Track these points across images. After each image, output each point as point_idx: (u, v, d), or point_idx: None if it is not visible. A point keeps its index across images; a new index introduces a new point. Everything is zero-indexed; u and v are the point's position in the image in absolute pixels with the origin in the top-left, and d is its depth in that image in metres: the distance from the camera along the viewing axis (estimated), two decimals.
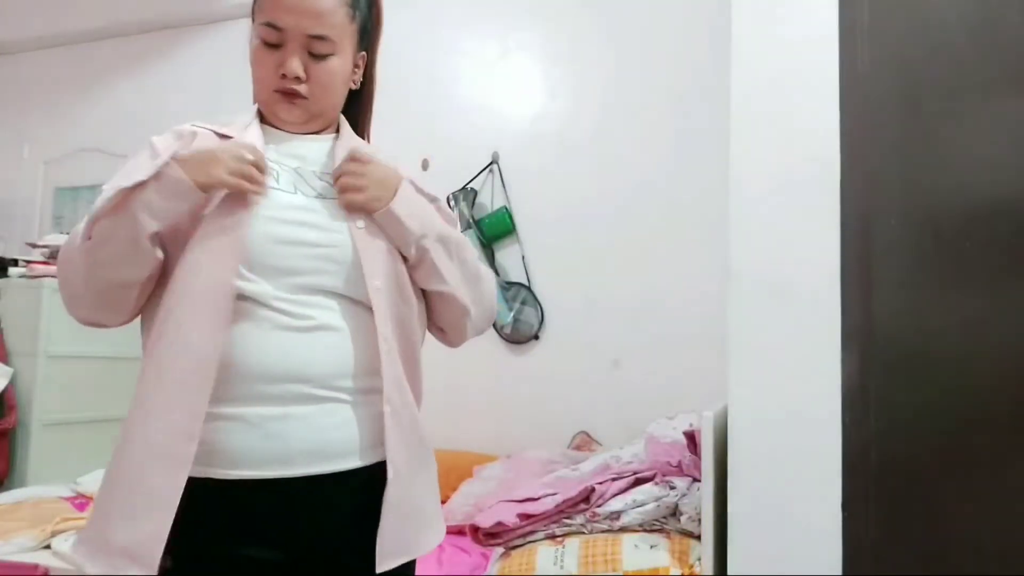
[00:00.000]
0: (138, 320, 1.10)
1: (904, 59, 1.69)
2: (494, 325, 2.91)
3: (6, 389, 2.79)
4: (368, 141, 1.29)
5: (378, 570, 1.04)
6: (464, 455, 2.66)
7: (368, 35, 1.21)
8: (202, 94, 3.42)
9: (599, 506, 1.93)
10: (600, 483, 1.97)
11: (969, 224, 1.62)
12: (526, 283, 2.94)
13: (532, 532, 1.95)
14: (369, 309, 1.08)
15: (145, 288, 1.05)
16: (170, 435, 0.97)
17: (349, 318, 1.07)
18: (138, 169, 1.07)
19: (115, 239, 0.99)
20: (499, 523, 1.94)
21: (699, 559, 1.77)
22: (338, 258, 1.07)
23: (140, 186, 0.99)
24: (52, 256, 3.08)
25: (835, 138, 1.69)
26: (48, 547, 2.22)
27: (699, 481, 1.83)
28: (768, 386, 1.70)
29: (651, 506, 1.89)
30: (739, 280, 1.74)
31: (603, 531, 1.91)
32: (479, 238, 2.96)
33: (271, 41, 1.10)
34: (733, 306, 1.74)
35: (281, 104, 1.13)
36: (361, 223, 1.10)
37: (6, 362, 2.85)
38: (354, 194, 1.09)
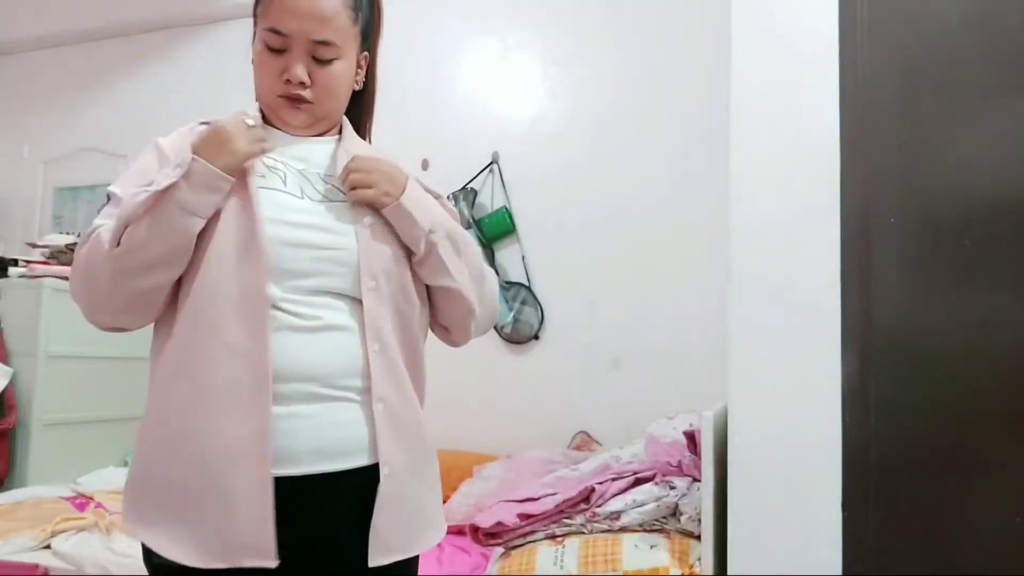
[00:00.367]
0: None
1: (904, 59, 1.69)
2: (494, 325, 2.91)
3: (6, 389, 2.79)
4: (369, 142, 1.30)
5: (370, 565, 1.05)
6: (464, 455, 2.65)
7: (370, 36, 1.21)
8: (202, 94, 3.41)
9: (599, 506, 1.93)
10: (600, 483, 1.97)
11: (969, 224, 1.62)
12: (526, 283, 2.94)
13: (532, 532, 1.95)
14: None
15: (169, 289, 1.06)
16: (249, 437, 0.99)
17: (358, 318, 1.08)
18: (145, 171, 1.08)
19: (153, 243, 1.00)
20: (499, 523, 1.94)
21: (699, 559, 1.77)
22: (344, 260, 1.08)
23: (171, 188, 1.00)
24: (52, 256, 3.08)
25: (835, 138, 1.69)
26: (48, 547, 2.21)
27: (699, 481, 1.83)
28: (768, 386, 1.70)
29: (651, 506, 1.89)
30: (739, 280, 1.74)
31: (603, 531, 1.91)
32: (479, 238, 2.96)
33: (275, 46, 1.10)
34: (733, 306, 1.74)
35: (286, 109, 1.14)
36: (369, 219, 1.11)
37: (6, 362, 2.85)
38: (365, 190, 1.10)
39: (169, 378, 1.04)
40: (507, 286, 2.94)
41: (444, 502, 1.88)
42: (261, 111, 1.18)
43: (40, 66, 3.95)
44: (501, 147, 3.03)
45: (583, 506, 1.94)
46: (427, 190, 1.20)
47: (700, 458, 1.78)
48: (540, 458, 2.43)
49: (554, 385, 2.86)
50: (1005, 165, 1.61)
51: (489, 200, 3.02)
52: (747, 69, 1.77)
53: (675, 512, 1.90)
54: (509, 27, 3.11)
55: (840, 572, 1.61)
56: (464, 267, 1.17)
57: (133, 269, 1.01)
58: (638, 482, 1.96)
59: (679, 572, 1.75)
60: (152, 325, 1.12)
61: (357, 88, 1.22)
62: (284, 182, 1.11)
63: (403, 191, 1.12)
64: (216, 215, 1.04)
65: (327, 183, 1.14)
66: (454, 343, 1.27)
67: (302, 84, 1.11)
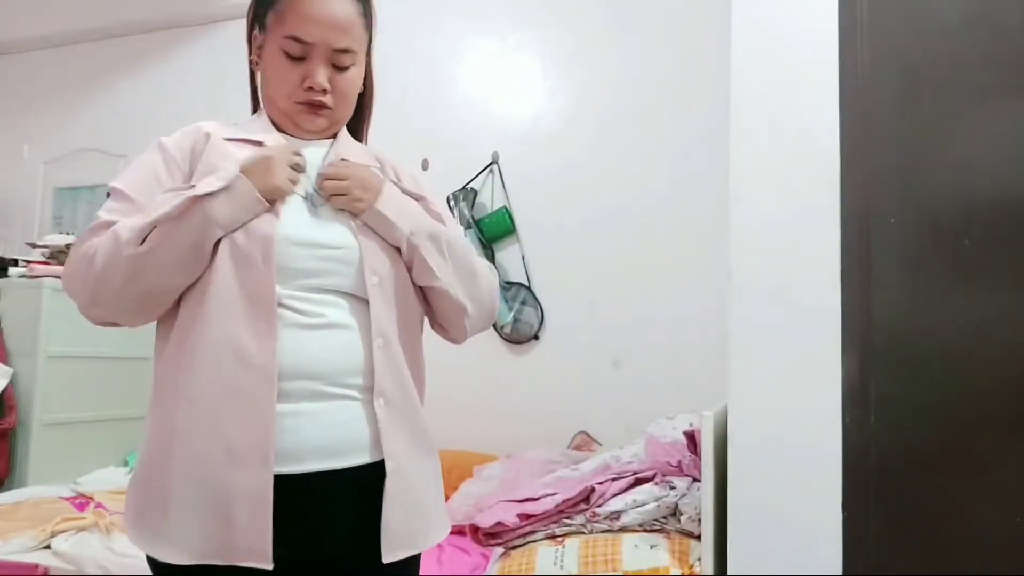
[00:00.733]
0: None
1: (904, 59, 1.69)
2: (494, 325, 2.91)
3: (6, 389, 2.79)
4: (365, 143, 1.31)
5: (384, 560, 1.05)
6: (464, 455, 2.65)
7: (371, 40, 1.22)
8: (202, 94, 3.42)
9: (599, 506, 1.93)
10: (600, 483, 1.97)
11: (969, 224, 1.62)
12: (526, 283, 2.94)
13: (532, 532, 1.95)
14: None
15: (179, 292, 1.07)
16: (252, 439, 1.00)
17: (359, 317, 1.09)
18: (150, 169, 1.10)
19: (176, 245, 1.01)
20: (499, 523, 1.94)
21: (699, 559, 1.77)
22: (346, 259, 1.10)
23: (209, 196, 1.01)
24: (52, 256, 3.08)
25: (835, 138, 1.69)
26: (48, 547, 2.21)
27: (699, 481, 1.83)
28: (768, 386, 1.70)
29: (651, 506, 1.89)
30: (739, 280, 1.74)
31: (603, 531, 1.91)
32: (479, 238, 2.96)
33: (295, 54, 1.12)
34: (733, 306, 1.74)
35: (305, 115, 1.16)
36: (359, 220, 1.13)
37: (6, 362, 2.85)
38: (336, 198, 1.12)
39: (173, 378, 1.04)
40: (507, 286, 2.94)
41: (444, 501, 1.87)
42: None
43: (40, 66, 3.95)
44: (501, 147, 3.03)
45: (583, 506, 1.94)
46: (410, 193, 1.20)
47: (700, 458, 1.78)
48: (540, 458, 2.43)
49: (554, 385, 2.86)
50: (1005, 165, 1.61)
51: (489, 200, 3.02)
52: (747, 69, 1.77)
53: (675, 512, 1.90)
54: (509, 27, 3.11)
55: (840, 572, 1.61)
56: (450, 267, 1.17)
57: (152, 268, 1.01)
58: (638, 482, 1.96)
59: (679, 572, 1.75)
60: (153, 324, 1.12)
61: (361, 91, 1.24)
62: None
63: (378, 195, 1.13)
64: None
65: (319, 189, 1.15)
66: (453, 340, 1.27)
67: (323, 91, 1.13)
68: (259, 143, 1.14)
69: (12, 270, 3.05)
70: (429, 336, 1.25)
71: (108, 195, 1.11)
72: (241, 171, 1.05)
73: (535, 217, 2.97)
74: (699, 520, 1.78)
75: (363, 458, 1.07)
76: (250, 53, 1.22)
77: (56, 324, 2.87)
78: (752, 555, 1.68)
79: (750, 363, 1.72)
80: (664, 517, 1.90)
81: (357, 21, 1.15)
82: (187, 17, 3.62)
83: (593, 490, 1.95)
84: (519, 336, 2.93)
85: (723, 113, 1.80)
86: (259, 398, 1.00)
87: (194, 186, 1.04)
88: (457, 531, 2.16)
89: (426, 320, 1.25)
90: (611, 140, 2.90)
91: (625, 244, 2.84)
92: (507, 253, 2.99)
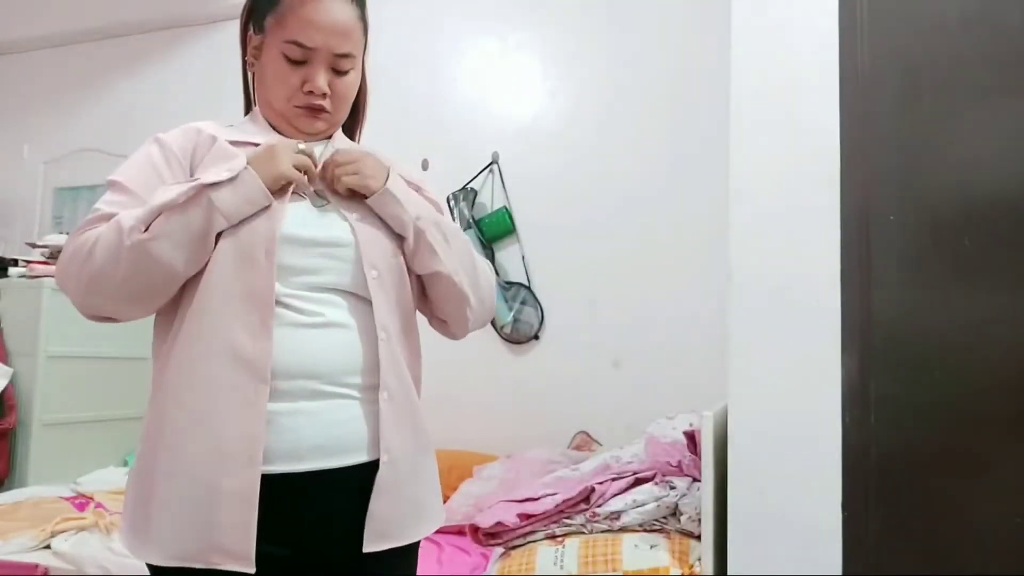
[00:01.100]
0: (139, 320, 1.10)
1: (904, 58, 1.69)
2: (494, 325, 2.92)
3: (6, 389, 2.79)
4: (358, 144, 1.31)
5: (364, 550, 1.05)
6: (464, 455, 2.65)
7: (367, 44, 1.23)
8: (202, 94, 3.41)
9: (599, 506, 1.93)
10: (600, 483, 1.97)
11: (969, 223, 1.62)
12: (526, 283, 2.94)
13: (532, 532, 1.95)
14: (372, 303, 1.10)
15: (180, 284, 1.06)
16: (240, 438, 0.99)
17: (357, 315, 1.09)
18: (149, 163, 1.09)
19: (181, 233, 1.00)
20: (499, 523, 1.94)
21: (699, 559, 1.77)
22: (343, 256, 1.10)
23: (215, 185, 1.01)
24: (52, 256, 3.07)
25: (835, 138, 1.69)
26: (48, 547, 2.21)
27: (699, 481, 1.83)
28: (768, 386, 1.70)
29: (651, 506, 1.89)
30: (739, 280, 1.74)
31: (603, 531, 1.91)
32: (479, 238, 2.96)
33: (296, 58, 1.13)
34: (733, 306, 1.74)
35: (304, 118, 1.17)
36: (359, 214, 1.13)
37: (6, 362, 2.85)
38: (350, 176, 1.12)
39: (167, 374, 1.04)
40: (507, 286, 2.94)
41: (444, 502, 1.88)
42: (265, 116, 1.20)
43: (40, 66, 3.95)
44: (501, 147, 3.03)
45: (583, 506, 1.94)
46: (408, 181, 1.21)
47: (700, 458, 1.78)
48: (540, 458, 2.43)
49: (554, 385, 2.86)
50: (1005, 164, 1.61)
51: (489, 200, 3.02)
52: (747, 69, 1.77)
53: (675, 512, 1.89)
54: (509, 27, 3.11)
55: (840, 572, 1.61)
56: (454, 253, 1.18)
57: (155, 256, 1.00)
58: (638, 482, 1.96)
59: (679, 572, 1.75)
60: (153, 326, 1.12)
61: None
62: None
63: (386, 178, 1.14)
64: None
65: (322, 184, 1.15)
66: (452, 336, 1.27)
67: (323, 95, 1.14)
68: (257, 145, 1.14)
69: (12, 270, 3.05)
70: (430, 336, 1.25)
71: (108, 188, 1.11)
72: (248, 163, 1.05)
73: (535, 217, 2.97)
74: (699, 520, 1.78)
75: (361, 457, 1.07)
76: (245, 54, 1.22)
77: (56, 324, 2.87)
78: (752, 555, 1.68)
79: (750, 363, 1.72)
80: (664, 517, 1.90)
81: (357, 26, 1.16)
82: (187, 17, 3.62)
83: (593, 490, 1.95)
84: (519, 336, 2.93)
85: (723, 113, 1.80)
86: (251, 397, 1.00)
87: (199, 178, 1.04)
88: (457, 531, 2.17)
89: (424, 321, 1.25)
90: (611, 140, 2.90)
91: (625, 244, 2.83)
92: (507, 253, 2.99)
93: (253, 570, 0.97)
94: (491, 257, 2.97)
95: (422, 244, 1.15)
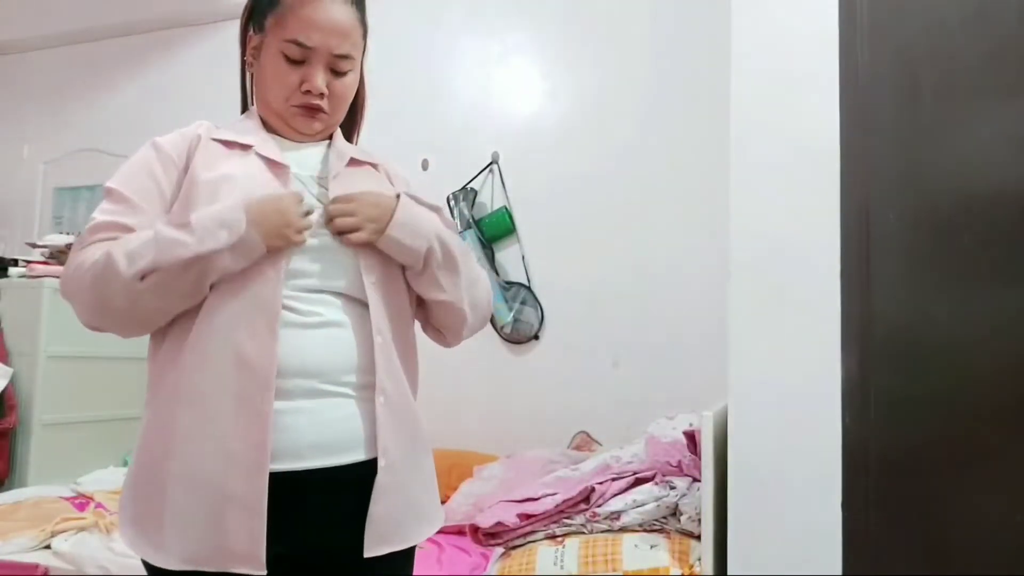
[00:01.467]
0: None
1: (904, 58, 1.69)
2: (494, 325, 2.92)
3: (6, 389, 2.79)
4: (356, 144, 1.31)
5: (365, 555, 1.05)
6: (464, 455, 2.65)
7: (365, 46, 1.23)
8: (202, 94, 3.41)
9: (599, 506, 1.93)
10: (600, 483, 1.97)
11: (969, 221, 1.62)
12: (526, 283, 2.94)
13: (532, 532, 1.95)
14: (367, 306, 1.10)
15: None
16: (248, 442, 0.99)
17: (353, 316, 1.10)
18: (145, 171, 1.09)
19: (178, 285, 1.01)
20: (499, 523, 1.94)
21: (699, 559, 1.77)
22: (342, 262, 1.10)
23: (215, 252, 1.00)
24: (52, 256, 3.08)
25: (835, 135, 1.69)
26: (48, 547, 2.22)
27: (699, 481, 1.83)
28: (768, 385, 1.70)
29: (651, 506, 1.89)
30: (739, 279, 1.74)
31: (603, 531, 1.91)
32: (479, 238, 2.96)
33: (295, 58, 1.13)
34: (733, 305, 1.74)
35: (301, 118, 1.16)
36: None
37: (6, 362, 2.85)
38: (354, 233, 1.10)
39: (171, 376, 1.04)
40: (507, 286, 2.94)
41: (444, 502, 1.88)
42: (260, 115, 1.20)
43: (40, 66, 3.95)
44: (501, 147, 3.03)
45: (583, 506, 1.94)
46: (424, 203, 1.19)
47: (700, 458, 1.78)
48: (540, 458, 2.43)
49: (554, 385, 2.86)
50: (1005, 163, 1.61)
51: (489, 200, 3.02)
52: (747, 67, 1.77)
53: (675, 512, 1.89)
54: (509, 27, 3.11)
55: (840, 572, 1.61)
56: (458, 280, 1.18)
57: (152, 299, 1.02)
58: (638, 482, 1.96)
59: (679, 572, 1.75)
60: None
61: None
62: (285, 186, 1.12)
63: (392, 215, 1.11)
64: None
65: (320, 186, 1.16)
66: (446, 344, 1.28)
67: (321, 95, 1.14)
68: (248, 146, 1.14)
69: (12, 270, 3.05)
70: (428, 337, 1.25)
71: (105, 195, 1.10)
72: (249, 220, 1.02)
73: (535, 217, 2.97)
74: (699, 520, 1.78)
75: (359, 455, 1.07)
76: (244, 53, 1.22)
77: (56, 324, 2.87)
78: (752, 555, 1.68)
79: (750, 363, 1.72)
80: (664, 517, 1.90)
81: (356, 28, 1.16)
82: (187, 17, 3.62)
83: (593, 490, 1.95)
84: (519, 336, 2.93)
85: (723, 113, 1.80)
86: (257, 402, 1.00)
87: (191, 223, 1.01)
88: (457, 531, 2.16)
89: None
90: (611, 140, 2.90)
91: (625, 244, 2.83)
92: (507, 253, 2.99)
93: (264, 572, 0.98)
94: (491, 257, 2.97)
95: (426, 275, 1.15)
